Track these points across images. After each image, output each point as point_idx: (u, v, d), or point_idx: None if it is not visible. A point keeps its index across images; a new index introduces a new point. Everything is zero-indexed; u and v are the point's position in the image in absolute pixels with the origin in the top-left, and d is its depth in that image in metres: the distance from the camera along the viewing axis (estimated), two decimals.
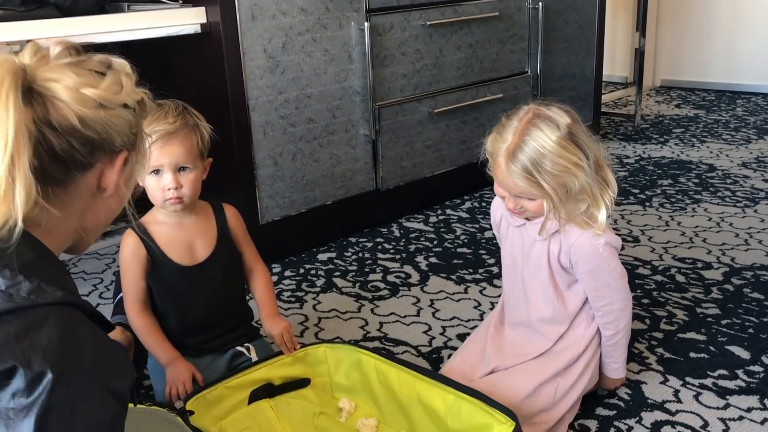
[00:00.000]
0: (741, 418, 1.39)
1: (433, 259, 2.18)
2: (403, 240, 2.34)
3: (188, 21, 1.92)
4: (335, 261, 2.20)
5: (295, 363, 1.45)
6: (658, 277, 1.99)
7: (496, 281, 2.01)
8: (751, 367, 1.55)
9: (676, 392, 1.48)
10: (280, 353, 1.45)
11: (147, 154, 0.88)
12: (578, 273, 1.37)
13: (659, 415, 1.41)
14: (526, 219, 1.39)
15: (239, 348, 1.49)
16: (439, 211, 2.59)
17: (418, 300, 1.93)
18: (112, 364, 0.75)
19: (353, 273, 2.11)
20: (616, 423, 1.39)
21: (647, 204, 2.58)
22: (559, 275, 1.40)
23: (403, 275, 2.09)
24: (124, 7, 2.01)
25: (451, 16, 2.45)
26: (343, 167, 2.26)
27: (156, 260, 1.41)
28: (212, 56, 1.96)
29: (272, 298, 1.53)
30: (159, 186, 1.36)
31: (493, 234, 1.57)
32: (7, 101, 0.70)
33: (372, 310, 1.88)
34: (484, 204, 2.64)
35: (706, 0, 4.46)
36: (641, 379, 1.53)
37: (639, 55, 3.76)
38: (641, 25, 3.75)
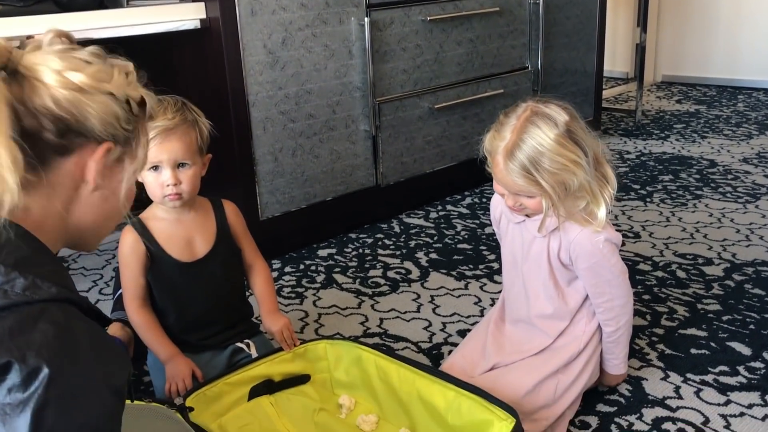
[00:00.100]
0: (742, 414, 1.39)
1: (433, 255, 2.18)
2: (404, 236, 2.34)
3: (188, 16, 1.92)
4: (335, 257, 2.20)
5: (295, 359, 1.45)
6: (659, 273, 1.99)
7: (496, 277, 2.00)
8: (752, 364, 1.55)
9: (677, 388, 1.48)
10: (280, 349, 1.44)
11: (143, 160, 0.86)
12: (578, 270, 1.37)
13: (660, 412, 1.41)
14: (526, 216, 1.39)
15: (239, 344, 1.49)
16: (440, 207, 2.59)
17: (419, 296, 1.93)
18: (108, 359, 0.75)
19: (353, 269, 2.11)
20: (616, 419, 1.39)
21: (648, 200, 2.57)
22: (559, 272, 1.39)
23: (403, 271, 2.08)
24: (123, 3, 2.00)
25: (451, 12, 2.44)
26: (343, 163, 2.26)
27: (155, 256, 1.41)
28: (212, 52, 1.96)
29: (272, 294, 1.53)
30: (158, 182, 1.35)
31: (494, 230, 1.56)
32: None
33: (372, 306, 1.88)
34: (484, 200, 2.64)
35: None
36: (642, 375, 1.52)
37: (640, 50, 3.75)
38: (642, 21, 3.74)
